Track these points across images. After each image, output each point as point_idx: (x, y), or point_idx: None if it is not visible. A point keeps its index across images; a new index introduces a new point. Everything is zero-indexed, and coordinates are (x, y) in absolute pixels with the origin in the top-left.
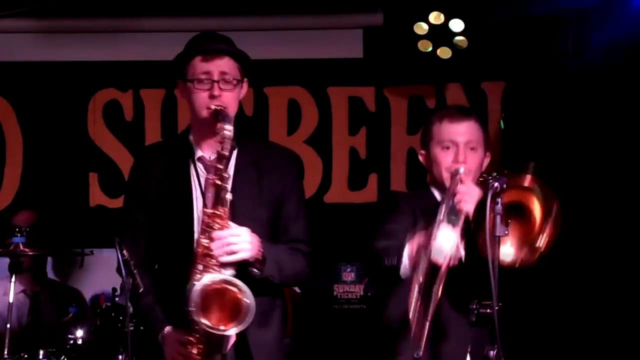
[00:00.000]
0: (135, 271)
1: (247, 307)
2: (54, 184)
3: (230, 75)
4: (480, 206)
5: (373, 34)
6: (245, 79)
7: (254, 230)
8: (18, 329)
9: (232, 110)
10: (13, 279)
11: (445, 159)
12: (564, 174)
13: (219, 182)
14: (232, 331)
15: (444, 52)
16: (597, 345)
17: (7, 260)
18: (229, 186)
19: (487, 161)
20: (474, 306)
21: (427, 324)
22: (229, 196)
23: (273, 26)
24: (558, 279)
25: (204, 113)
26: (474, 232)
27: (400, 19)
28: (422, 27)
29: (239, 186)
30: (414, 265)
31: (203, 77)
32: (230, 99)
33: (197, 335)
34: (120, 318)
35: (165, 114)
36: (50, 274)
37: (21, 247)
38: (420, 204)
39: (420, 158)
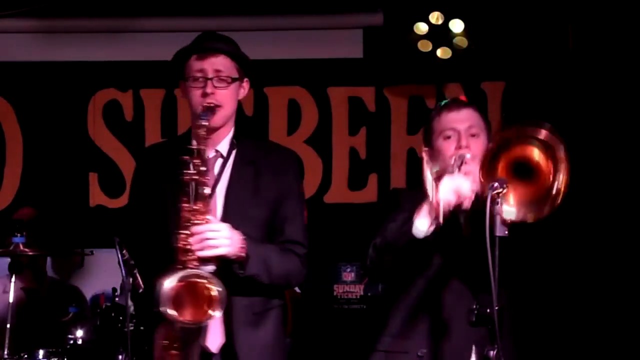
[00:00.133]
0: (135, 271)
1: (218, 294)
2: (54, 184)
3: (225, 73)
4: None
5: (373, 34)
6: (246, 79)
7: (247, 231)
8: (18, 329)
9: (226, 109)
10: (13, 278)
11: (448, 148)
12: None
13: (196, 177)
14: (207, 321)
15: (444, 52)
16: (598, 344)
17: (7, 259)
18: (207, 180)
19: None
20: (474, 306)
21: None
22: (207, 191)
23: (273, 26)
24: (558, 279)
25: (198, 111)
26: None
27: (400, 19)
28: (422, 27)
29: (234, 185)
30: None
31: (198, 75)
32: (224, 97)
33: (172, 333)
34: (120, 318)
35: (165, 114)
36: (50, 274)
37: (21, 246)
38: (422, 201)
39: (425, 156)
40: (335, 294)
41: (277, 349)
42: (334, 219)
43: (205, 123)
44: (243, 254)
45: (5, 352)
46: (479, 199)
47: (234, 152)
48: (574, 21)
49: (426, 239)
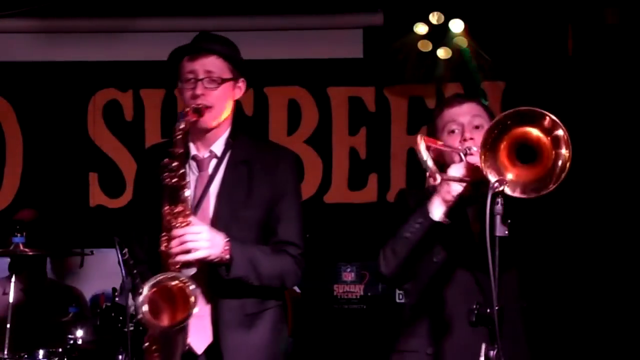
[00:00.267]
0: (135, 271)
1: (191, 293)
2: (54, 184)
3: (216, 74)
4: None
5: (373, 34)
6: (242, 79)
7: (239, 232)
8: (18, 329)
9: (217, 109)
10: (13, 278)
11: (454, 143)
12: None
13: (175, 180)
14: (185, 322)
15: (444, 52)
16: (598, 344)
17: (7, 260)
18: (186, 183)
19: None
20: (474, 306)
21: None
22: (187, 193)
23: (273, 26)
24: (558, 278)
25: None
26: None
27: (400, 19)
28: (422, 27)
29: (226, 186)
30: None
31: (189, 76)
32: (214, 98)
33: (152, 336)
34: (120, 318)
35: (165, 114)
36: (50, 274)
37: (21, 247)
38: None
39: (431, 155)
40: (335, 294)
41: (271, 350)
42: (334, 219)
43: (182, 126)
44: (227, 256)
45: (5, 352)
46: (482, 190)
47: (229, 153)
48: (574, 21)
49: (442, 224)
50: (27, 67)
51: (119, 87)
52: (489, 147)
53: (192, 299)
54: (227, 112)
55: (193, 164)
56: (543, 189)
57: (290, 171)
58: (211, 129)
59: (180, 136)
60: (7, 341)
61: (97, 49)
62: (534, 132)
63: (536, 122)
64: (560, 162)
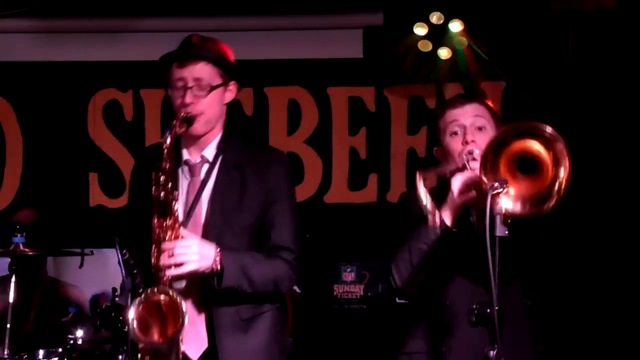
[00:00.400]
0: (135, 271)
1: (181, 306)
2: (54, 184)
3: (205, 82)
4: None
5: (373, 34)
6: (232, 82)
7: (232, 238)
8: (18, 329)
9: (207, 115)
10: (13, 278)
11: (456, 145)
12: None
13: (163, 194)
14: (177, 334)
15: (444, 52)
16: (600, 344)
17: (7, 260)
18: (175, 196)
19: None
20: (474, 306)
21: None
22: (176, 206)
23: (273, 26)
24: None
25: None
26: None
27: (400, 19)
28: (422, 27)
29: (218, 192)
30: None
31: (179, 83)
32: (204, 105)
33: (143, 351)
34: (120, 318)
35: (165, 114)
36: (51, 274)
37: (21, 247)
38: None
39: (437, 154)
40: (335, 294)
41: (269, 354)
42: (334, 219)
43: (168, 141)
44: (218, 267)
45: (5, 352)
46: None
47: (220, 157)
48: (573, 21)
49: (452, 231)
50: (27, 67)
51: (119, 87)
52: (490, 162)
53: (182, 311)
54: (218, 117)
55: (185, 169)
56: (543, 204)
57: (282, 174)
58: (202, 136)
59: (166, 151)
60: (7, 341)
61: (97, 49)
62: (535, 145)
63: (536, 135)
64: (558, 182)
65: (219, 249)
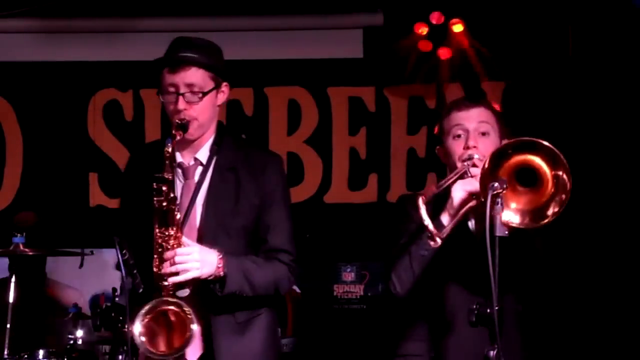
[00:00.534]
0: (135, 271)
1: (189, 317)
2: (54, 184)
3: (197, 87)
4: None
5: (373, 34)
6: (224, 83)
7: (227, 241)
8: (18, 329)
9: (201, 119)
10: (13, 278)
11: (457, 148)
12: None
13: (165, 204)
14: (186, 346)
15: (444, 52)
16: (600, 344)
17: (7, 260)
18: (177, 206)
19: None
20: (474, 306)
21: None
22: (178, 216)
23: (273, 26)
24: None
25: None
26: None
27: (400, 19)
28: (422, 27)
29: (212, 195)
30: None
31: (171, 89)
32: (197, 111)
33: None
34: (120, 318)
35: (165, 114)
36: (50, 274)
37: (21, 247)
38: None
39: (439, 154)
40: (335, 294)
41: (266, 355)
42: (334, 219)
43: (170, 150)
44: (221, 273)
45: (5, 352)
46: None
47: (214, 159)
48: (574, 22)
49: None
50: (27, 67)
51: (119, 87)
52: (490, 174)
53: (190, 323)
54: (211, 120)
55: (179, 171)
56: (540, 218)
57: (277, 178)
58: (196, 139)
59: (169, 162)
60: (7, 341)
61: (97, 49)
62: (536, 159)
63: (539, 150)
64: (557, 199)
65: (221, 255)
